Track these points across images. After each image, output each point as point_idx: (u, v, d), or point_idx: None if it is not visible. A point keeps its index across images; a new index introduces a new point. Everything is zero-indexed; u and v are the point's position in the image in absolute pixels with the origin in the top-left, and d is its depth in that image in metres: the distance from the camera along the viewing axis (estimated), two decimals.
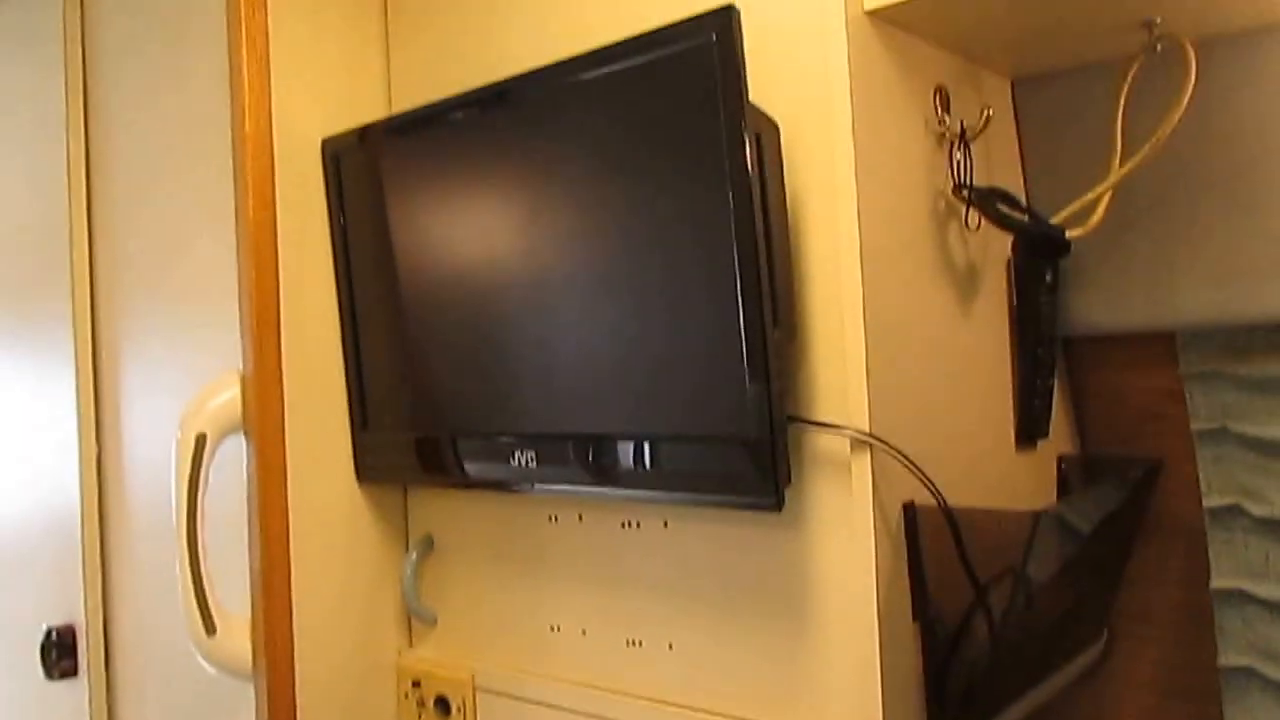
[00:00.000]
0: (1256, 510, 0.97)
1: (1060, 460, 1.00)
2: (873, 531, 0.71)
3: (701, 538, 0.83)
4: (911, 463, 0.72)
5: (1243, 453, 0.98)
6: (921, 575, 0.74)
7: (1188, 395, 1.01)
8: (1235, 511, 0.99)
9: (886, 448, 0.71)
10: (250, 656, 0.98)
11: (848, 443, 0.72)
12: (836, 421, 0.72)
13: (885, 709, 0.71)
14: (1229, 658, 1.00)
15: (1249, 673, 1.00)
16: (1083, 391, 1.04)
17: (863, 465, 0.71)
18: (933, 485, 0.72)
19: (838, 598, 0.74)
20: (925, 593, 0.74)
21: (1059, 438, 0.99)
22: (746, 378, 0.69)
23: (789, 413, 0.73)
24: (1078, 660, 1.03)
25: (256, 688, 0.98)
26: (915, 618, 0.74)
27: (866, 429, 0.70)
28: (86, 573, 1.26)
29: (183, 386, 1.10)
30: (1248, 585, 0.99)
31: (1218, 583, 1.00)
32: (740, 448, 0.71)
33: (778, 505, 0.69)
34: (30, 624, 1.35)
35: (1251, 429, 0.97)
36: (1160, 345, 1.01)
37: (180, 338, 1.13)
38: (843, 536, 0.73)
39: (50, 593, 1.32)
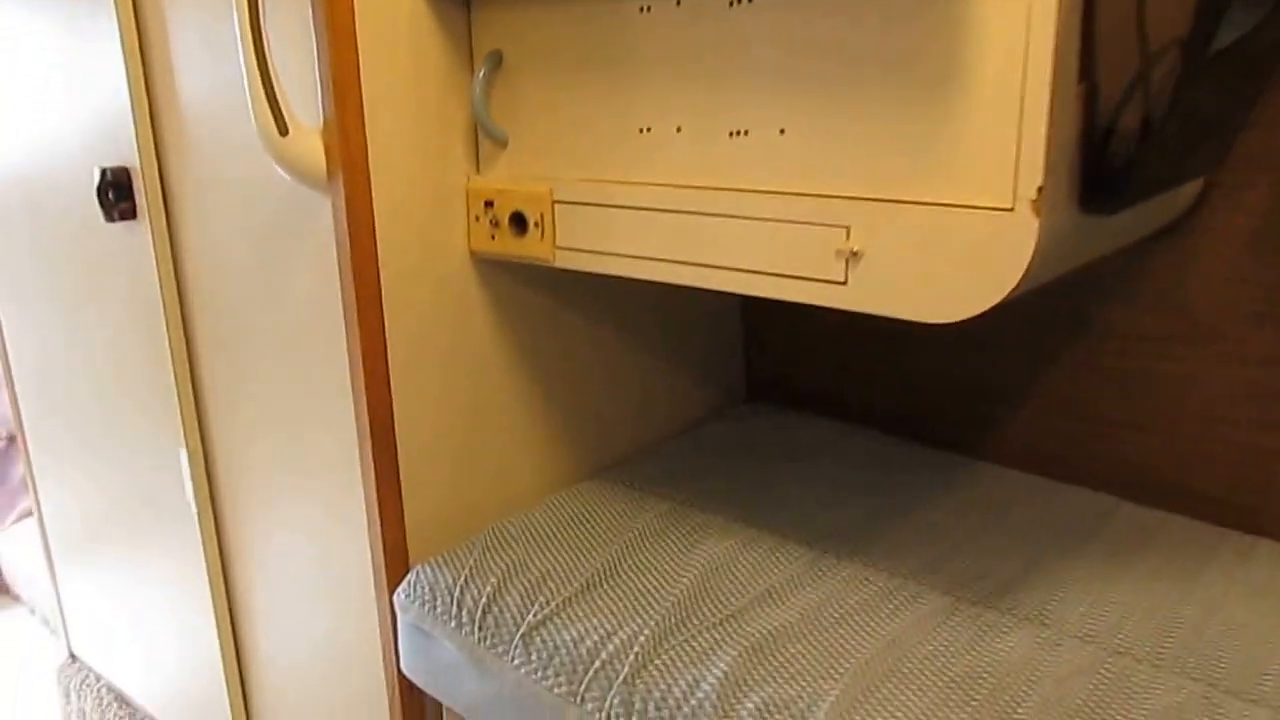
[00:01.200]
0: None
1: None
2: None
3: (832, 6, 0.74)
4: None
5: None
6: (1093, 36, 0.66)
7: None
8: None
9: None
10: (323, 160, 0.94)
11: None
12: None
13: (1046, 176, 0.66)
14: None
15: None
16: None
17: None
18: None
19: (1000, 60, 0.66)
20: (1095, 56, 0.66)
21: None
22: None
23: None
24: (1189, 191, 0.98)
25: (334, 194, 0.95)
26: (1081, 80, 0.67)
27: None
28: (136, 114, 1.19)
29: None
30: None
31: None
32: None
33: None
34: (82, 166, 1.31)
35: None
36: None
37: None
38: None
39: (100, 136, 1.26)
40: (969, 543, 1.02)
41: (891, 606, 0.90)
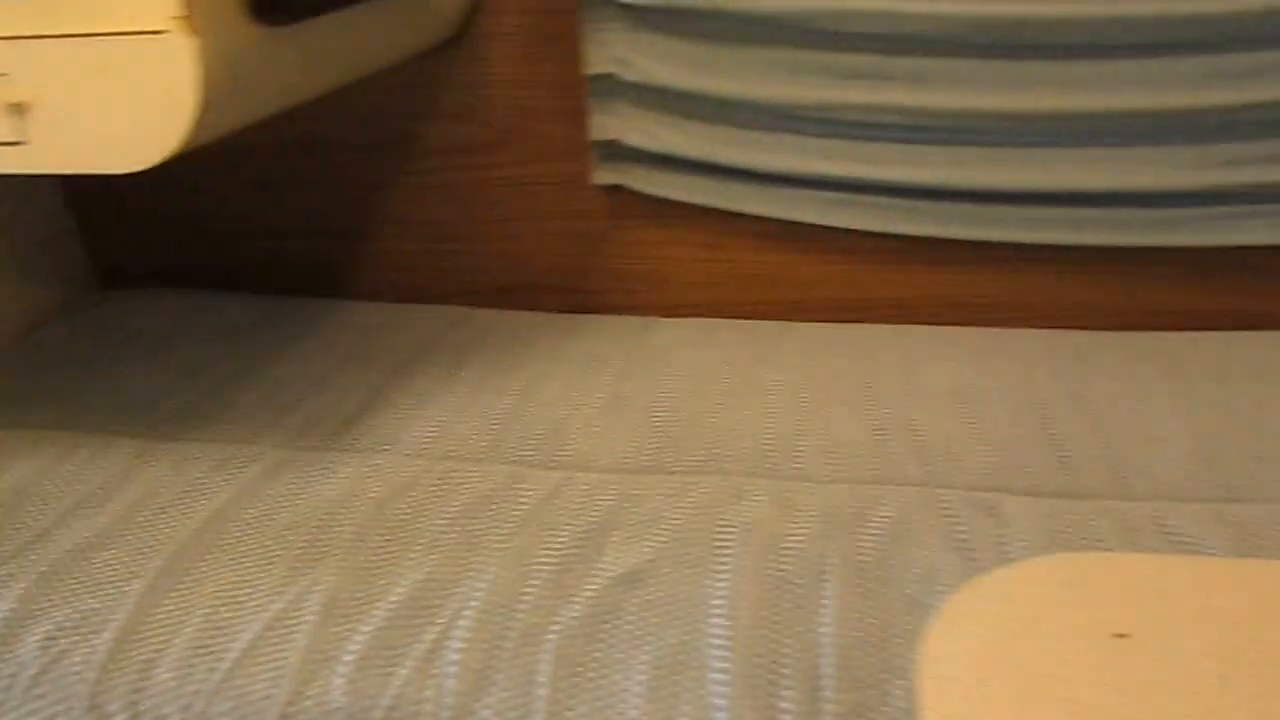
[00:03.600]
0: None
1: None
2: None
3: None
4: None
5: None
6: None
7: None
8: None
9: None
10: None
11: None
12: None
13: None
14: (594, 66, 1.02)
15: (609, 78, 1.02)
16: None
17: None
18: None
19: None
20: None
21: None
22: None
23: None
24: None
25: None
26: None
27: None
28: None
29: None
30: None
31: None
32: None
33: None
34: None
35: None
36: None
37: None
38: None
39: None
40: (319, 386, 0.99)
41: (222, 478, 0.85)
